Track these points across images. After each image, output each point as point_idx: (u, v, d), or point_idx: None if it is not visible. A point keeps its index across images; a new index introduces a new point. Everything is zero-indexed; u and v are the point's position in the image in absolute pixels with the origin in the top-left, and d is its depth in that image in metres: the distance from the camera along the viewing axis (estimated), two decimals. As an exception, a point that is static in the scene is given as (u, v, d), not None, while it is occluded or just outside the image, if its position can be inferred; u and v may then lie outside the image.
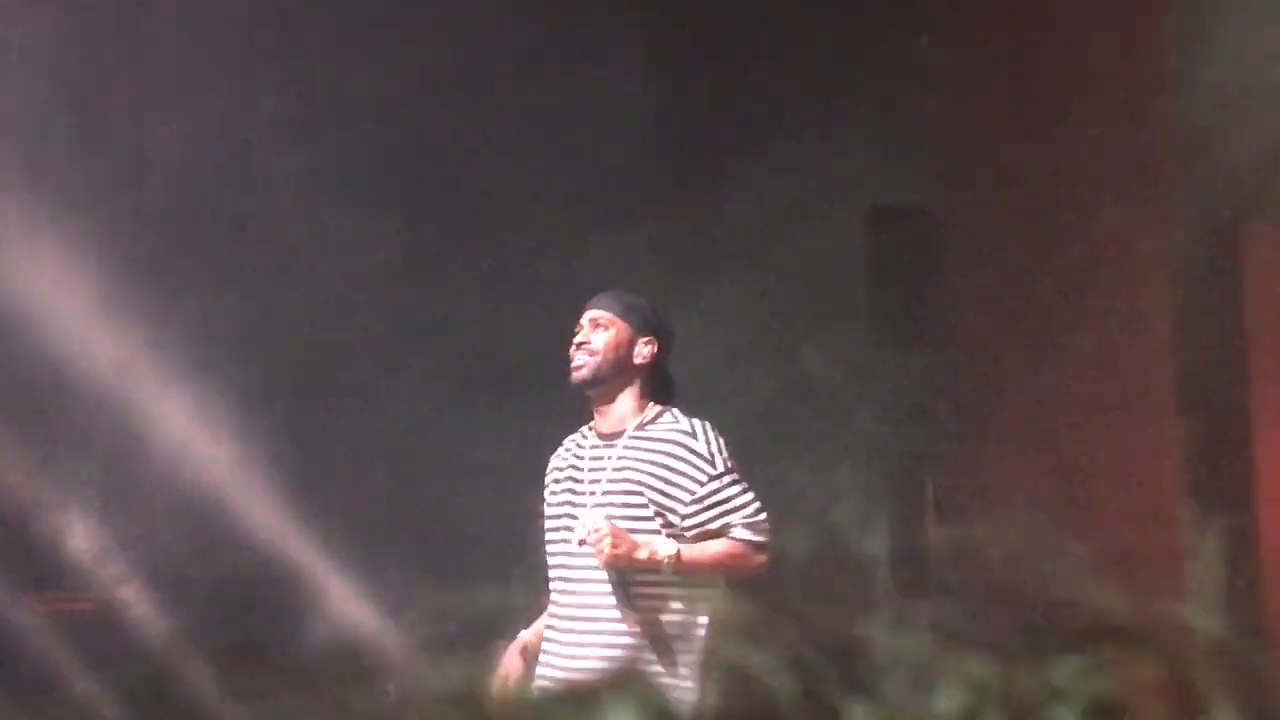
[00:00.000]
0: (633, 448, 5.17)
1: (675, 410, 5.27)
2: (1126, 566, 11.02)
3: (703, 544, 5.07)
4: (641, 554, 4.97)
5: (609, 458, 5.19)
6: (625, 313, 5.30)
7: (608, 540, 4.98)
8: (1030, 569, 11.24)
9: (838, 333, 11.50)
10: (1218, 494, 11.01)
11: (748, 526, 5.09)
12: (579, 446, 5.29)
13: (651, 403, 5.25)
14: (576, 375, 5.25)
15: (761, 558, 5.08)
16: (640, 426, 5.20)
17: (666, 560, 4.99)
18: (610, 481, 5.11)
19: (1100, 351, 11.10)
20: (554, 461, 5.37)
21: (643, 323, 5.32)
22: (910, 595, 11.39)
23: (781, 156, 11.34)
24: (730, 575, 5.10)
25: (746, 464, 11.27)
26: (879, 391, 11.62)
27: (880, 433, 11.55)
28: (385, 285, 10.78)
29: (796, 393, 11.40)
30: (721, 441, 5.20)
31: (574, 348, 5.27)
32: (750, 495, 5.14)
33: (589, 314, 5.34)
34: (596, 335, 5.25)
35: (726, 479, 5.13)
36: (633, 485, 5.13)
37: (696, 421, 5.22)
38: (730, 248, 11.37)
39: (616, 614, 5.05)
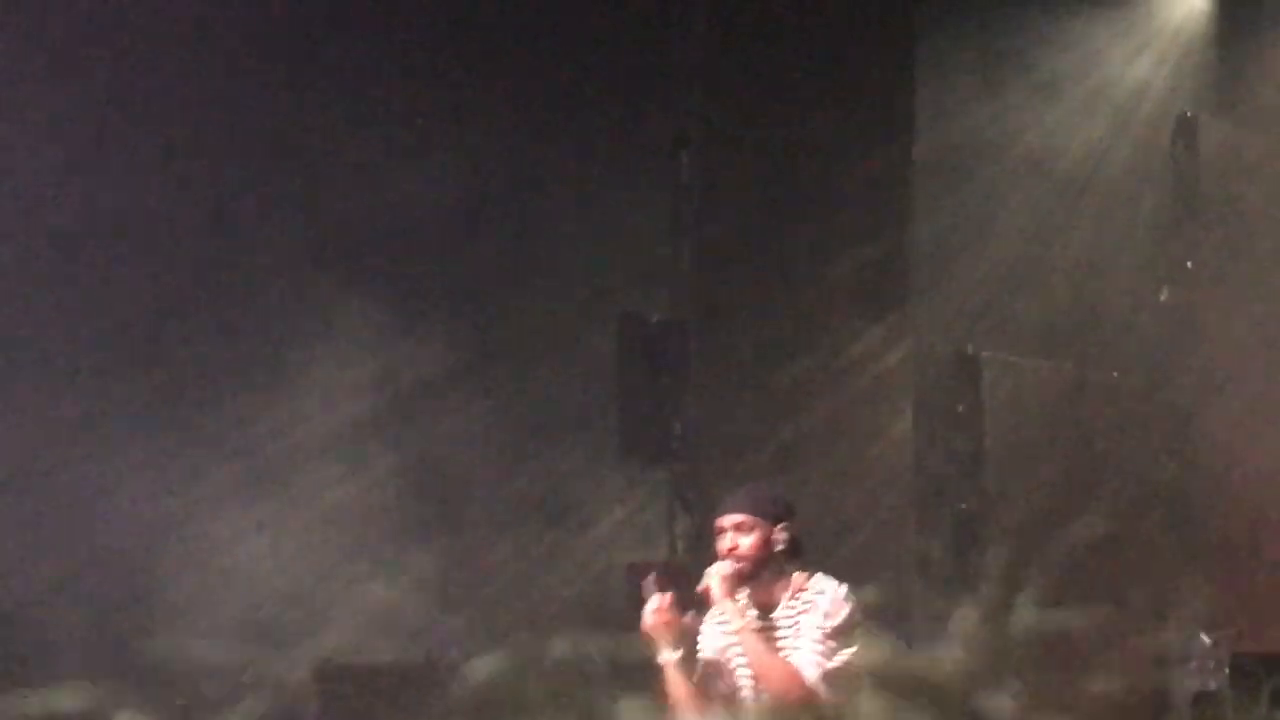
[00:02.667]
0: (786, 619, 5.79)
1: (819, 575, 5.84)
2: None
3: (770, 646, 5.73)
4: (729, 603, 5.67)
5: (765, 629, 5.78)
6: (760, 511, 5.83)
7: (720, 578, 5.71)
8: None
9: (587, 443, 11.52)
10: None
11: (805, 663, 5.66)
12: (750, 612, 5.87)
13: (795, 572, 5.83)
14: (737, 578, 5.80)
15: (798, 690, 5.64)
16: (792, 596, 5.80)
17: (741, 621, 5.67)
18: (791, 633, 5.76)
19: (841, 467, 11.39)
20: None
21: (776, 513, 5.86)
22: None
23: (536, 267, 11.35)
24: (764, 681, 5.71)
25: (483, 567, 11.22)
26: (626, 502, 11.67)
27: (626, 543, 11.58)
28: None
29: (544, 502, 11.37)
30: (849, 605, 5.73)
31: (724, 551, 5.81)
32: (835, 651, 5.68)
33: (730, 518, 5.83)
34: (743, 539, 5.79)
35: (829, 631, 5.70)
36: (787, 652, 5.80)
37: (831, 584, 5.78)
38: (486, 355, 11.28)
39: None
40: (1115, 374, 11.76)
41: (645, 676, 5.73)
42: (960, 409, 11.40)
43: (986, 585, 10.99)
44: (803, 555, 5.84)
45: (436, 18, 10.98)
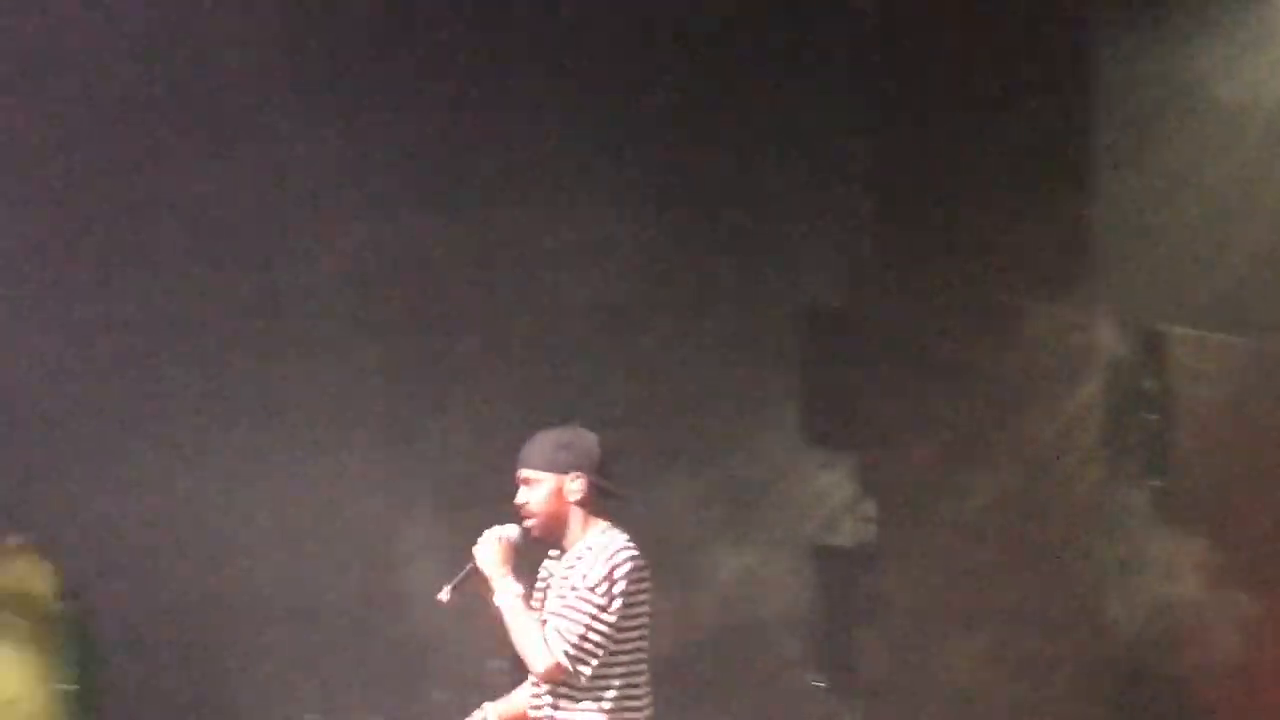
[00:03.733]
0: (566, 572, 5.55)
1: (606, 529, 5.54)
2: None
3: (533, 616, 5.43)
4: (492, 569, 5.42)
5: (561, 575, 5.56)
6: (549, 463, 5.51)
7: (487, 541, 5.46)
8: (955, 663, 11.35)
9: (773, 432, 11.53)
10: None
11: (557, 633, 5.36)
12: (549, 562, 5.66)
13: (595, 519, 5.55)
14: (533, 535, 5.56)
15: (545, 664, 5.34)
16: (581, 547, 5.54)
17: (501, 592, 5.41)
18: (557, 595, 5.55)
19: (1029, 452, 11.28)
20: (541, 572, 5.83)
21: (567, 463, 5.51)
22: (839, 689, 11.42)
23: (717, 261, 11.37)
24: (520, 651, 5.41)
25: (678, 560, 11.27)
26: (812, 488, 11.68)
27: (808, 530, 11.60)
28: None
29: (726, 491, 11.40)
30: (616, 570, 5.39)
31: (518, 509, 5.56)
32: (583, 624, 5.36)
33: (520, 473, 5.55)
34: (531, 494, 5.51)
35: (585, 595, 5.39)
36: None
37: (604, 542, 5.47)
38: (670, 351, 11.33)
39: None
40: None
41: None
42: (1147, 386, 11.25)
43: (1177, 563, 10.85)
44: (614, 501, 5.48)
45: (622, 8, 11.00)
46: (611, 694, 5.38)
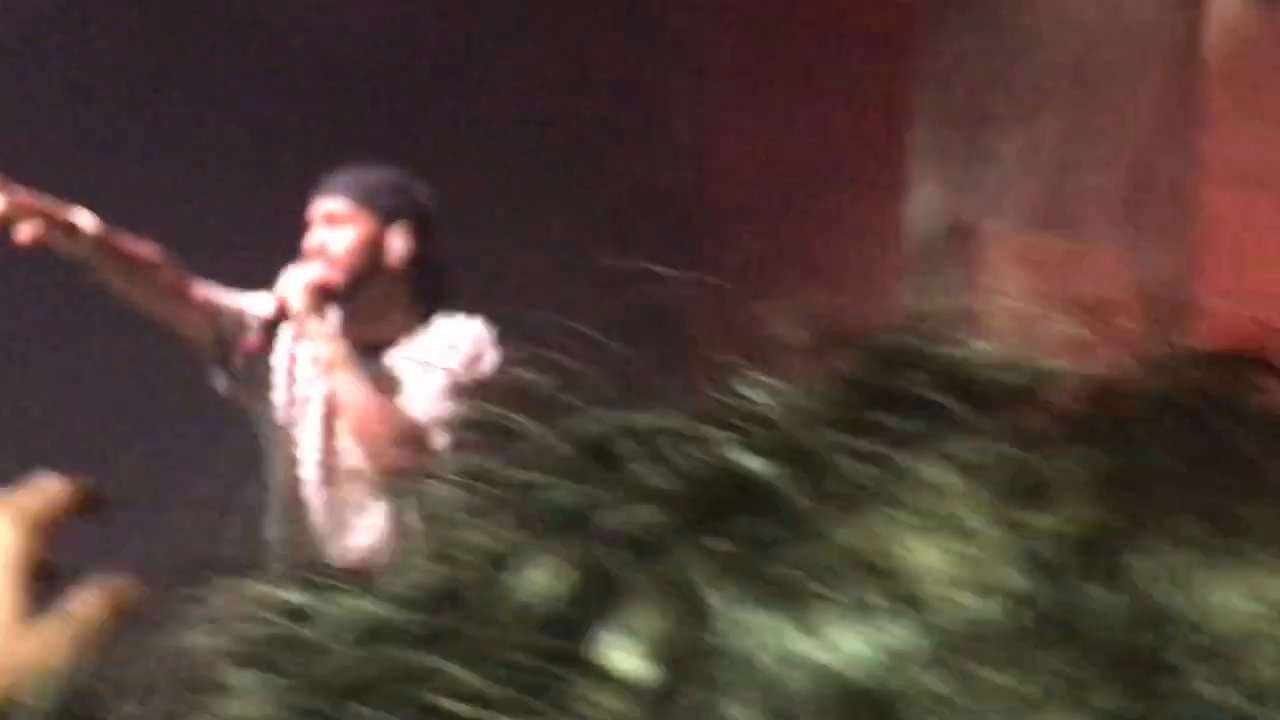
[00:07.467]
0: (405, 363, 3.99)
1: (462, 317, 4.03)
2: None
3: (372, 387, 3.87)
4: (315, 323, 3.87)
5: (371, 373, 3.94)
6: (368, 198, 3.94)
7: (304, 286, 3.88)
8: None
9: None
10: None
11: (418, 404, 3.85)
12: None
13: (423, 312, 4.01)
14: (310, 293, 3.86)
15: (398, 432, 3.68)
16: (411, 343, 4.00)
17: (333, 346, 3.89)
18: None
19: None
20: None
21: (394, 206, 3.97)
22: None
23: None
24: (358, 427, 3.85)
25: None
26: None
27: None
28: None
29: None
30: (490, 352, 3.90)
31: (309, 251, 3.93)
32: (445, 404, 3.82)
33: (321, 206, 3.95)
34: (334, 235, 3.93)
35: (470, 380, 3.89)
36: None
37: (477, 325, 3.97)
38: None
39: None
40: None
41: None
42: None
43: None
44: (445, 297, 4.03)
45: None
46: None
